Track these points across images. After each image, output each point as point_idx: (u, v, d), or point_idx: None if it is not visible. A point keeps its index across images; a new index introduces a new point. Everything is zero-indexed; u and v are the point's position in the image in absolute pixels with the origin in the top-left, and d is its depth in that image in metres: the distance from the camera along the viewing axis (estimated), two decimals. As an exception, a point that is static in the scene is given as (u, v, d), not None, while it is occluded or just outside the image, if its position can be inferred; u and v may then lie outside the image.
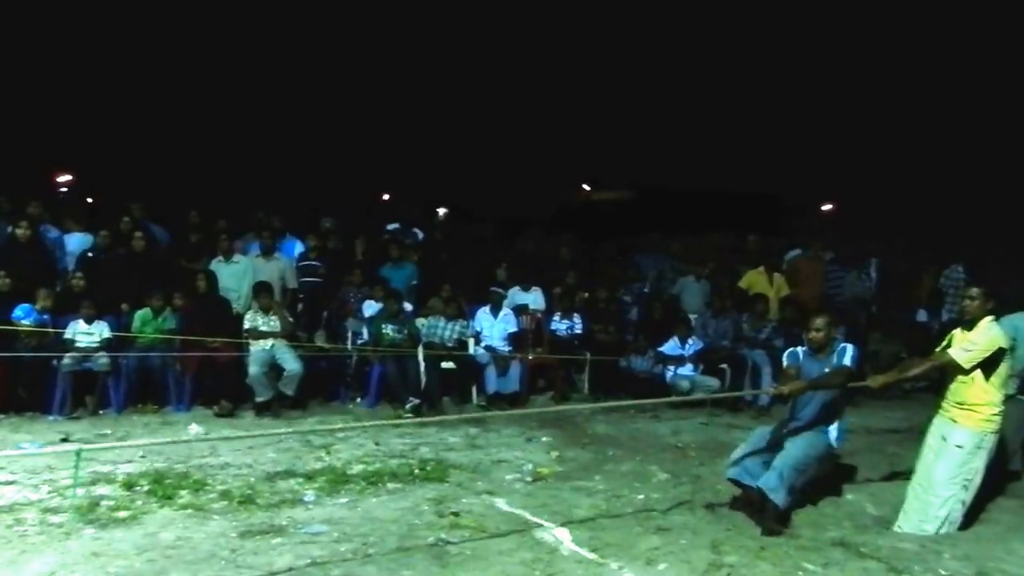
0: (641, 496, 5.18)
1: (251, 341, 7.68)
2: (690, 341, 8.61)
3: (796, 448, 4.60)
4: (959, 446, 4.43)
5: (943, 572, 3.98)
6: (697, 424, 7.56)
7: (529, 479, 5.59)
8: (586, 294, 9.56)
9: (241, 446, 6.21)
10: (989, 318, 4.47)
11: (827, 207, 18.62)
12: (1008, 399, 5.47)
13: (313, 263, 8.99)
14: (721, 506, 4.94)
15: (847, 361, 4.69)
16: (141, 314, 7.89)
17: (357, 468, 5.72)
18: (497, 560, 4.03)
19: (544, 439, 6.80)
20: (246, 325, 7.77)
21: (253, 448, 6.18)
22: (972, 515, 4.76)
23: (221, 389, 7.65)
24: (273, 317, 7.80)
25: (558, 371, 8.80)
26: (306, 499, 5.00)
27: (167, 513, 4.66)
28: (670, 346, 8.63)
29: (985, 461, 4.47)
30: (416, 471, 5.65)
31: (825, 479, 4.98)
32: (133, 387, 7.69)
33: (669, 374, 8.52)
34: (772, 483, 4.47)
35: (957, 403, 4.48)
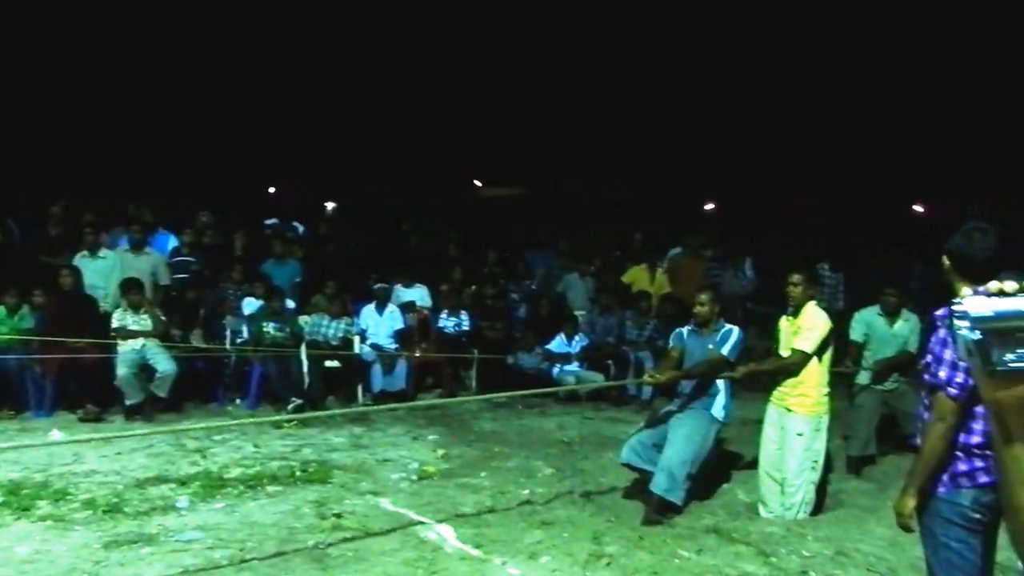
0: (526, 491, 5.25)
1: (120, 341, 7.25)
2: (576, 338, 8.81)
3: (679, 439, 4.74)
4: (799, 434, 4.69)
5: (806, 553, 4.26)
6: (582, 419, 7.74)
7: (415, 478, 5.56)
8: (473, 287, 9.57)
9: (108, 452, 5.85)
10: (813, 302, 4.76)
11: (709, 206, 19.46)
12: (862, 389, 5.93)
13: (188, 259, 8.57)
14: (603, 497, 5.09)
15: (726, 349, 4.84)
16: (-7, 312, 7.29)
17: (235, 472, 5.51)
18: (379, 560, 4.00)
19: (431, 437, 6.77)
20: (114, 324, 7.31)
21: (121, 454, 5.84)
22: (832, 499, 5.13)
23: (87, 392, 7.16)
24: (144, 315, 7.38)
25: (445, 368, 8.78)
26: (179, 505, 4.77)
27: (23, 526, 4.35)
28: (557, 343, 8.80)
29: (825, 441, 4.77)
30: (298, 473, 5.51)
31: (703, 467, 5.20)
32: (-15, 392, 7.09)
33: (556, 371, 8.69)
34: (664, 485, 4.63)
35: (790, 388, 4.72)
